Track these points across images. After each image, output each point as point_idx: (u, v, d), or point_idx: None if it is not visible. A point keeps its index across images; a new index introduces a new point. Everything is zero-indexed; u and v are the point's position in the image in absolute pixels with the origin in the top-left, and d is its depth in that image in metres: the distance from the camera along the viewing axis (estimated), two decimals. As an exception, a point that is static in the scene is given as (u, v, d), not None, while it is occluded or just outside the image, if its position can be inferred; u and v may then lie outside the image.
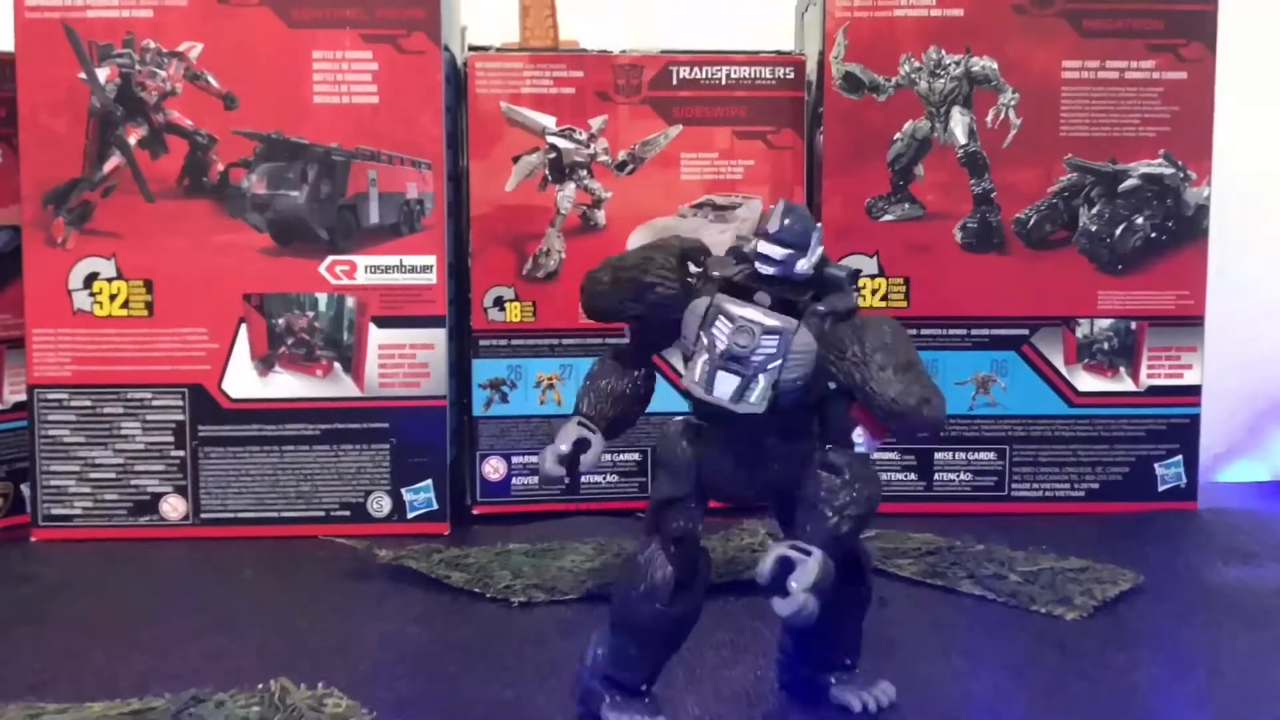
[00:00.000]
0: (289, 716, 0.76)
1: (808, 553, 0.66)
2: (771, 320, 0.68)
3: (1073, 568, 1.01)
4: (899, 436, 0.67)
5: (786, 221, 0.69)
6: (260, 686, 0.78)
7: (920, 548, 1.06)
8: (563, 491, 1.20)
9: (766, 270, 0.70)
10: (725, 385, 0.69)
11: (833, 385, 0.69)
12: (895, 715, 0.76)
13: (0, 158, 1.14)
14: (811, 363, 0.69)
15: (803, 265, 0.69)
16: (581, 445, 0.72)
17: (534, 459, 1.19)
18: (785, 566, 0.65)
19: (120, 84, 1.12)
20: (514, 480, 1.20)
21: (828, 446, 0.69)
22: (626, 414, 0.74)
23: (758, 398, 0.68)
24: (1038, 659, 0.85)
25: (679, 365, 0.74)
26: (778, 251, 0.69)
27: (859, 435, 0.68)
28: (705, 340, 0.69)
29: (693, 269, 0.72)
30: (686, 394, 0.71)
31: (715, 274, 0.71)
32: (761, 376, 0.68)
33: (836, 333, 0.68)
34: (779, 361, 0.68)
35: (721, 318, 0.69)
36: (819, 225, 0.70)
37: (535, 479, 1.20)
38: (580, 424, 0.73)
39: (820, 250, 0.70)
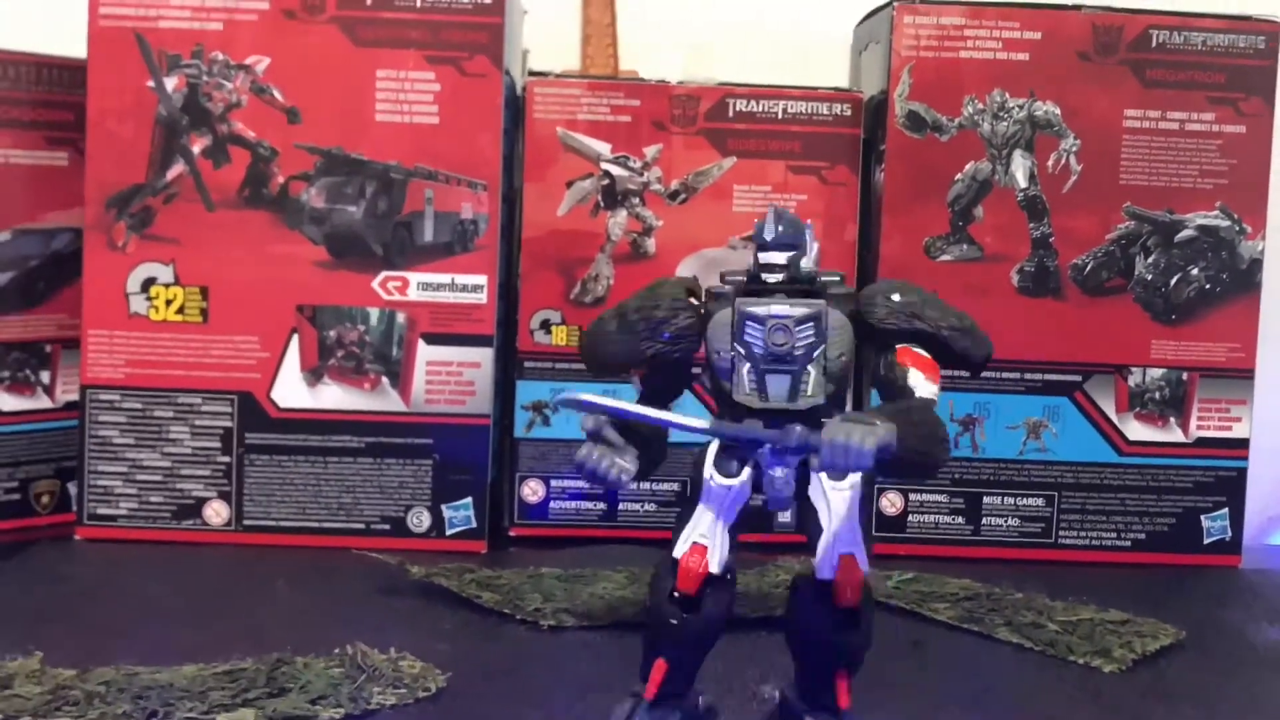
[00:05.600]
0: (371, 676, 0.82)
1: None
2: (801, 309, 0.68)
3: (1113, 620, 0.99)
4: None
5: (780, 227, 0.69)
6: (337, 651, 0.86)
7: (958, 593, 1.05)
8: (600, 518, 1.20)
9: (774, 278, 0.69)
10: (778, 387, 0.68)
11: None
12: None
13: (66, 161, 1.17)
14: (849, 339, 0.69)
15: (806, 263, 0.69)
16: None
17: (574, 483, 1.19)
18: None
19: (187, 93, 1.14)
20: (552, 503, 1.21)
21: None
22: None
23: (814, 389, 0.68)
24: (1073, 711, 0.84)
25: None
26: (780, 256, 0.68)
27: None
28: (741, 349, 0.68)
29: (699, 299, 0.72)
30: (722, 417, 0.70)
31: (725, 289, 0.70)
32: (810, 367, 0.68)
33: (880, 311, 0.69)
34: (822, 346, 0.68)
35: (750, 323, 0.68)
36: (809, 223, 0.70)
37: (574, 504, 1.20)
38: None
39: (817, 246, 0.69)
